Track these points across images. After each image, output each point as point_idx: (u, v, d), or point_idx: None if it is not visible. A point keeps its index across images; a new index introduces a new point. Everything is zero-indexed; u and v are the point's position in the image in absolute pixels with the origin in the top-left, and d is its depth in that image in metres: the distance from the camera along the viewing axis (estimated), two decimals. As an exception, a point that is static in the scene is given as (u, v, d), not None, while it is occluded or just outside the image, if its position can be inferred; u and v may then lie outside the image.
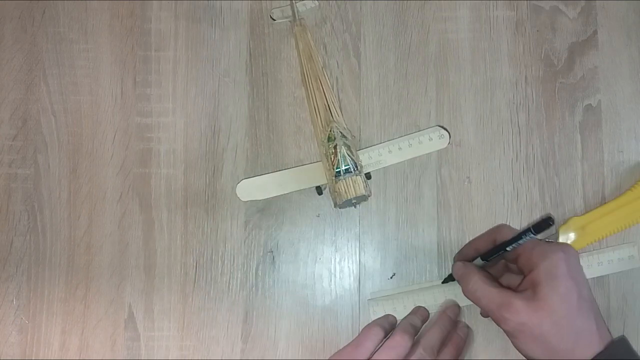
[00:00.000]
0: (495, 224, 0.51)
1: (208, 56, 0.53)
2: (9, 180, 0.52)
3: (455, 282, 0.47)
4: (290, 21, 0.53)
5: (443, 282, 0.50)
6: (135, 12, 0.54)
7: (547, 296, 0.39)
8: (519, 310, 0.40)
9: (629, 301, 0.50)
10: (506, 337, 0.41)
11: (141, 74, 0.53)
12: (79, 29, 0.54)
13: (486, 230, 0.50)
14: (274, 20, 0.53)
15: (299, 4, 0.53)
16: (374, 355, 0.42)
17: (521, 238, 0.42)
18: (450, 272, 0.49)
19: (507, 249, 0.43)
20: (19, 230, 0.52)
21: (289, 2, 0.53)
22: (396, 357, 0.41)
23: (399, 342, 0.42)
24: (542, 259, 0.41)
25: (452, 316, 0.48)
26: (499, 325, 0.41)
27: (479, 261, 0.46)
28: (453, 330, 0.47)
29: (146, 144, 0.53)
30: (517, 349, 0.41)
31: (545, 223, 0.40)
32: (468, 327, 0.49)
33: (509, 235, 0.44)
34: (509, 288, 0.43)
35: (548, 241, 0.45)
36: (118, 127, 0.53)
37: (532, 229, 0.41)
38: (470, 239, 0.50)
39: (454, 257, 0.50)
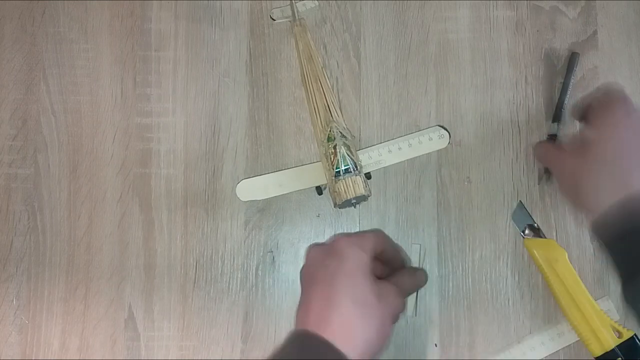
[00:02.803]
0: (495, 224, 0.51)
1: (208, 56, 0.53)
2: (9, 180, 0.52)
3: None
4: (290, 21, 0.53)
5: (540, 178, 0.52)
6: (135, 12, 0.54)
7: (592, 143, 0.43)
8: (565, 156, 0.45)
9: (629, 301, 0.50)
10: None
11: (141, 74, 0.53)
12: (79, 29, 0.54)
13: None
14: (274, 20, 0.53)
15: (299, 4, 0.53)
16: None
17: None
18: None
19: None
20: (19, 230, 0.52)
21: (289, 2, 0.53)
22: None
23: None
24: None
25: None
26: (564, 185, 0.47)
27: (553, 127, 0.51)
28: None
29: (146, 144, 0.53)
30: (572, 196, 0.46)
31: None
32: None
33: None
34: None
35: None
36: (118, 127, 0.53)
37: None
38: (470, 238, 0.51)
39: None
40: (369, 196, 0.50)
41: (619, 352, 0.45)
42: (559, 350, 0.49)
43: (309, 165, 0.51)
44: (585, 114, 0.46)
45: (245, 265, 0.51)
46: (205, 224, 0.52)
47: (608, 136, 0.43)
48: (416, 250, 0.50)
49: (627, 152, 0.42)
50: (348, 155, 0.48)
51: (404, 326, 0.50)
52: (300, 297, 0.42)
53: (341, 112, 0.52)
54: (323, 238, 0.51)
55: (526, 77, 0.53)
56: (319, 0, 0.54)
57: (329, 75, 0.53)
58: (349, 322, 0.39)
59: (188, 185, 0.52)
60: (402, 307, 0.43)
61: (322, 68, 0.52)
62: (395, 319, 0.43)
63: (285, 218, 0.52)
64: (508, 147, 0.52)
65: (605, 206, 0.41)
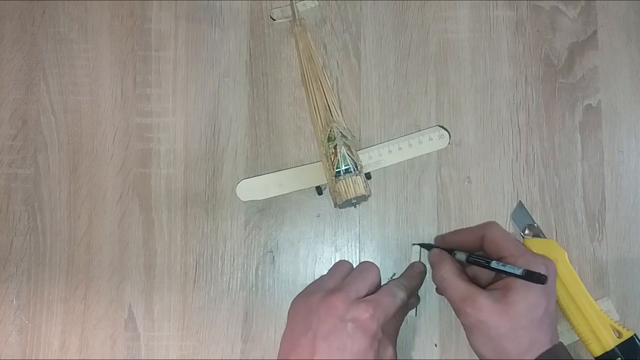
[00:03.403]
0: (495, 224, 0.51)
1: (208, 56, 0.53)
2: (9, 180, 0.52)
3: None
4: (290, 21, 0.53)
5: (418, 244, 0.50)
6: (135, 12, 0.54)
7: (516, 303, 0.40)
8: (482, 308, 0.40)
9: (629, 301, 0.50)
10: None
11: (141, 74, 0.53)
12: (79, 29, 0.54)
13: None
14: (274, 20, 0.53)
15: (299, 4, 0.53)
16: (345, 280, 0.43)
17: (509, 273, 0.41)
18: (431, 241, 0.50)
19: (492, 265, 0.42)
20: (19, 230, 0.52)
21: (289, 2, 0.53)
22: (365, 283, 0.43)
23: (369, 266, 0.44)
24: (525, 268, 0.41)
25: (417, 270, 0.49)
26: (458, 317, 0.43)
27: (461, 255, 0.45)
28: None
29: (146, 144, 0.53)
30: (470, 344, 0.42)
31: (538, 278, 0.40)
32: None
33: (498, 235, 0.45)
34: (475, 282, 0.44)
35: (533, 252, 0.45)
36: (118, 127, 0.53)
37: (523, 274, 0.40)
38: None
39: (435, 238, 0.50)
40: (369, 196, 0.50)
41: (619, 352, 0.45)
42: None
43: (309, 165, 0.51)
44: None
45: (245, 265, 0.51)
46: (205, 224, 0.52)
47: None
48: (416, 250, 0.50)
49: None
50: (348, 155, 0.48)
51: (404, 326, 0.50)
52: (286, 329, 0.42)
53: (341, 112, 0.52)
54: (323, 238, 0.51)
55: (526, 77, 0.53)
56: (319, 0, 0.54)
57: (329, 75, 0.53)
58: None
59: (188, 185, 0.52)
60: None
61: (322, 68, 0.52)
62: None
63: (285, 218, 0.52)
64: (508, 147, 0.52)
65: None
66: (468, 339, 0.42)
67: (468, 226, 0.51)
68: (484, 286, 0.44)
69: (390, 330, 0.43)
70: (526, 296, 0.40)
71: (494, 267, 0.42)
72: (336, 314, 0.40)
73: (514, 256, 0.42)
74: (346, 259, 0.50)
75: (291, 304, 0.43)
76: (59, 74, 0.53)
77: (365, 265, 0.45)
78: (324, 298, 0.41)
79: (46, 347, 0.51)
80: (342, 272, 0.45)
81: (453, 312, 0.49)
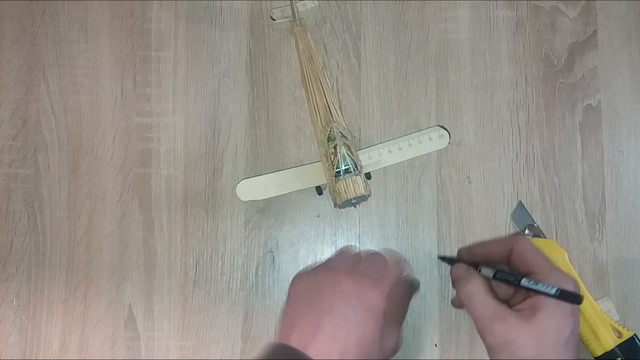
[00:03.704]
0: (495, 224, 0.51)
1: (208, 56, 0.53)
2: (9, 180, 0.52)
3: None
4: (290, 21, 0.53)
5: (441, 257, 0.50)
6: (135, 12, 0.54)
7: (544, 323, 0.39)
8: (511, 328, 0.39)
9: (629, 301, 0.50)
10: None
11: (141, 74, 0.53)
12: (79, 29, 0.54)
13: (503, 235, 0.50)
14: (274, 20, 0.53)
15: (299, 4, 0.53)
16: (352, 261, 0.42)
17: (542, 292, 0.40)
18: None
19: (523, 284, 0.41)
20: (19, 230, 0.52)
21: (289, 2, 0.53)
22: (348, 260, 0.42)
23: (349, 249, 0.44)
24: (557, 286, 0.40)
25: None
26: (483, 336, 0.41)
27: (487, 271, 0.43)
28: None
29: (146, 144, 0.53)
30: None
31: (574, 298, 0.39)
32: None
33: (527, 249, 0.43)
34: (504, 301, 0.42)
35: (562, 271, 0.43)
36: (118, 127, 0.53)
37: (558, 293, 0.39)
38: (470, 238, 0.50)
39: (458, 251, 0.49)
40: (369, 196, 0.50)
41: (619, 352, 0.45)
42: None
43: (309, 165, 0.51)
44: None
45: (245, 265, 0.51)
46: (205, 224, 0.52)
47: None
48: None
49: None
50: (348, 155, 0.48)
51: (404, 326, 0.50)
52: (286, 306, 0.41)
53: (341, 112, 0.52)
54: (323, 238, 0.51)
55: (526, 77, 0.53)
56: (319, 0, 0.54)
57: (329, 75, 0.53)
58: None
59: (188, 185, 0.52)
60: (398, 347, 0.42)
61: (322, 68, 0.52)
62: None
63: (285, 218, 0.52)
64: (508, 147, 0.52)
65: None
66: (491, 358, 0.40)
67: (468, 226, 0.51)
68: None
69: (397, 313, 0.42)
70: (555, 316, 0.39)
71: (524, 285, 0.40)
72: (341, 290, 0.39)
73: (543, 273, 0.41)
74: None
75: (292, 280, 0.42)
76: (59, 74, 0.53)
77: (374, 252, 0.43)
78: (329, 275, 0.40)
79: (46, 347, 0.51)
80: (348, 254, 0.44)
81: (454, 312, 0.49)
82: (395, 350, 0.41)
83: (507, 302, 0.42)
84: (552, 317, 0.39)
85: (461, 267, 0.44)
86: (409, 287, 0.44)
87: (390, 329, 0.40)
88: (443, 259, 0.49)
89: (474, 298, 0.41)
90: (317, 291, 0.39)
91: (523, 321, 0.39)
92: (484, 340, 0.40)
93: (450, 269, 0.46)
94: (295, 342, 0.37)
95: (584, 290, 0.47)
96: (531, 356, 0.38)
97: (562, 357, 0.39)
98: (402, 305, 0.43)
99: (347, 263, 0.42)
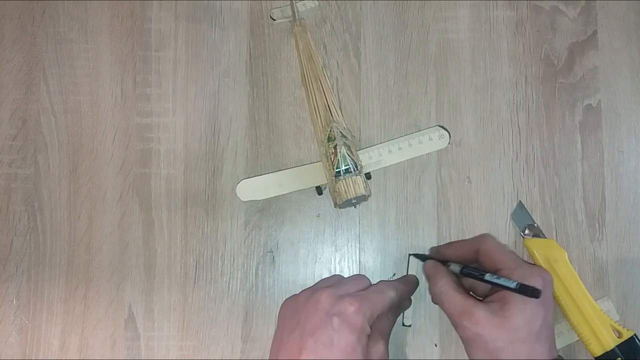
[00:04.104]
0: (495, 224, 0.51)
1: (208, 56, 0.53)
2: (9, 180, 0.52)
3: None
4: (290, 21, 0.53)
5: (413, 254, 0.50)
6: (135, 12, 0.54)
7: (513, 316, 0.40)
8: (479, 321, 0.40)
9: (629, 301, 0.50)
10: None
11: (141, 74, 0.53)
12: (79, 29, 0.54)
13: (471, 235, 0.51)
14: (274, 20, 0.53)
15: (299, 4, 0.53)
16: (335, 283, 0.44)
17: (503, 286, 0.41)
18: (427, 252, 0.50)
19: (486, 278, 0.42)
20: (19, 230, 0.52)
21: (289, 2, 0.53)
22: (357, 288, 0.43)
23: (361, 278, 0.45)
24: (521, 281, 0.41)
25: (411, 279, 0.49)
26: (456, 330, 0.42)
27: (455, 267, 0.45)
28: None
29: (146, 144, 0.53)
30: (468, 357, 0.42)
31: (532, 292, 0.39)
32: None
33: (492, 247, 0.44)
34: (472, 295, 0.43)
35: (529, 263, 0.45)
36: (118, 127, 0.53)
37: (517, 287, 0.40)
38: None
39: (430, 250, 0.50)
40: (369, 196, 0.50)
41: (619, 352, 0.46)
42: (558, 350, 0.49)
43: (309, 165, 0.51)
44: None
45: (245, 265, 0.51)
46: (205, 224, 0.52)
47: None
48: (412, 261, 0.50)
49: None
50: (348, 155, 0.48)
51: (404, 326, 0.50)
52: (276, 329, 0.43)
53: (341, 112, 0.52)
54: (323, 238, 0.51)
55: (526, 77, 0.53)
56: (319, 0, 0.54)
57: (329, 75, 0.53)
58: None
59: (188, 185, 0.52)
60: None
61: (322, 68, 0.52)
62: None
63: (285, 218, 0.52)
64: (508, 147, 0.52)
65: None
66: (467, 353, 0.42)
67: (468, 226, 0.51)
68: (481, 298, 0.43)
69: (381, 327, 0.43)
70: (523, 309, 0.40)
71: (487, 279, 0.42)
72: (322, 309, 0.40)
73: (509, 269, 0.42)
74: (345, 259, 0.50)
75: (280, 305, 0.44)
76: (59, 74, 0.53)
77: (356, 275, 0.46)
78: (310, 295, 0.41)
79: (46, 347, 0.51)
80: (333, 278, 0.46)
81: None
82: None
83: (485, 297, 0.43)
84: (520, 309, 0.40)
85: (430, 265, 0.46)
86: (395, 302, 0.44)
87: (375, 344, 0.41)
88: (415, 256, 0.50)
89: (443, 296, 0.43)
90: (300, 312, 0.41)
91: (492, 314, 0.40)
92: (459, 335, 0.42)
93: (422, 266, 0.47)
94: None
95: (584, 291, 0.47)
96: (502, 348, 0.39)
97: (534, 348, 0.40)
98: (387, 320, 0.44)
99: (328, 283, 0.44)
